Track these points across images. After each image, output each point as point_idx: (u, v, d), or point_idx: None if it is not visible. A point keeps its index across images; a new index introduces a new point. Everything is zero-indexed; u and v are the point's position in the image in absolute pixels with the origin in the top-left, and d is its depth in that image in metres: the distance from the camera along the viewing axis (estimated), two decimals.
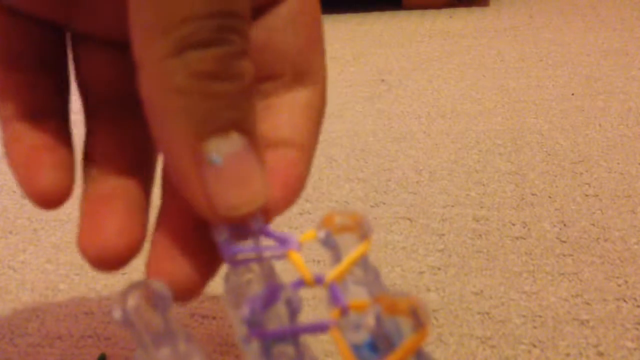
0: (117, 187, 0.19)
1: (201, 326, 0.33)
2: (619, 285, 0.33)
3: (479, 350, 0.29)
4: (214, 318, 0.33)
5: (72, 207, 0.48)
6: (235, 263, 0.16)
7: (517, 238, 0.37)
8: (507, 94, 0.58)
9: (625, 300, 0.32)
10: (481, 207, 0.41)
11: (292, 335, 0.16)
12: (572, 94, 0.56)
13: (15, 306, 0.36)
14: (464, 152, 0.48)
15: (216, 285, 0.36)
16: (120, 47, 0.19)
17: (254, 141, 0.15)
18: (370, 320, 0.14)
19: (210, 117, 0.14)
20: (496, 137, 0.50)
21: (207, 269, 0.17)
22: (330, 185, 0.45)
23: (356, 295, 0.16)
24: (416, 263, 0.36)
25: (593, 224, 0.38)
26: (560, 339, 0.30)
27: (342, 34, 0.80)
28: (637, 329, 0.30)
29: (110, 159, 0.19)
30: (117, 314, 0.14)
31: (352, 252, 0.17)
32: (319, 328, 0.15)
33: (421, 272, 0.35)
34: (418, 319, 0.13)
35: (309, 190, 0.45)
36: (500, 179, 0.44)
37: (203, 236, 0.17)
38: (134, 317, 0.14)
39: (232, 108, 0.14)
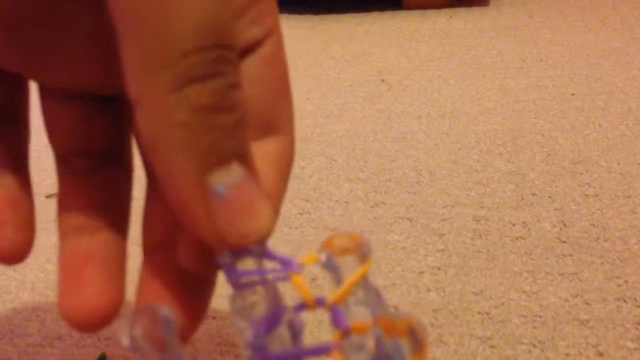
0: (93, 244, 0.19)
1: (201, 326, 0.32)
2: (619, 285, 0.33)
3: (479, 350, 0.29)
4: (214, 318, 0.33)
5: None
6: (239, 286, 0.17)
7: (517, 238, 0.37)
8: (507, 94, 0.58)
9: (625, 300, 0.32)
10: (481, 207, 0.41)
11: (295, 358, 0.16)
12: (572, 94, 0.56)
13: (15, 306, 0.36)
14: (464, 152, 0.48)
15: (217, 285, 0.36)
16: (88, 98, 0.19)
17: (253, 170, 0.15)
18: (370, 343, 0.14)
19: (212, 149, 0.14)
20: (496, 137, 0.50)
21: (197, 312, 0.18)
22: (330, 185, 0.45)
23: (358, 316, 0.16)
24: (416, 263, 0.36)
25: (593, 224, 0.38)
26: (560, 339, 0.30)
27: (342, 34, 0.80)
28: (637, 329, 0.30)
29: (84, 213, 0.19)
30: (125, 340, 0.15)
31: (353, 274, 0.17)
32: (321, 351, 0.16)
33: (421, 272, 0.35)
34: (417, 339, 0.13)
35: (309, 190, 0.45)
36: (500, 179, 0.44)
37: (188, 279, 0.17)
38: (142, 342, 0.15)
39: (232, 139, 0.14)
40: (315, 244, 0.38)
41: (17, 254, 0.18)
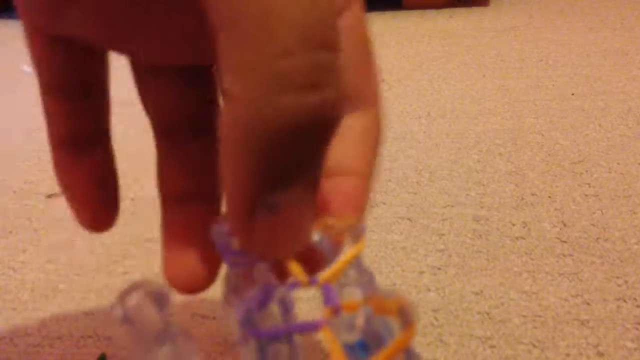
0: (192, 215, 0.19)
1: (201, 326, 0.33)
2: (619, 285, 0.33)
3: (479, 350, 0.29)
4: (214, 318, 0.33)
5: None
6: (233, 264, 0.17)
7: (517, 238, 0.37)
8: (507, 94, 0.58)
9: (625, 300, 0.32)
10: (481, 207, 0.41)
11: (286, 334, 0.16)
12: (572, 94, 0.56)
13: (15, 306, 0.36)
14: (464, 152, 0.48)
15: (216, 285, 0.36)
16: (178, 70, 0.19)
17: (315, 194, 0.14)
18: (360, 320, 0.14)
19: (285, 171, 0.13)
20: (496, 137, 0.50)
21: (216, 261, 0.19)
22: None
23: (350, 295, 0.16)
24: (416, 263, 0.36)
25: (593, 224, 0.38)
26: (560, 339, 0.30)
27: None
28: (637, 329, 0.30)
29: (183, 182, 0.20)
30: (117, 312, 0.15)
31: (345, 254, 0.17)
32: (311, 327, 0.16)
33: (421, 272, 0.35)
34: (405, 318, 0.13)
35: None
36: (500, 179, 0.44)
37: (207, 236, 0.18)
38: (134, 315, 0.15)
39: (309, 164, 0.13)
40: None
41: (103, 227, 0.20)
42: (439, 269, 0.35)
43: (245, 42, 0.12)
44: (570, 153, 0.47)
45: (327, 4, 0.12)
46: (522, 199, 0.41)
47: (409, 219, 0.40)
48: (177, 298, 0.35)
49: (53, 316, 0.35)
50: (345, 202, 0.17)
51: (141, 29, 0.16)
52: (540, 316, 0.31)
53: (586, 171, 0.44)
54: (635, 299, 0.32)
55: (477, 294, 0.33)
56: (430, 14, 0.83)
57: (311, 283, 0.16)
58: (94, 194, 0.19)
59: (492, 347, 0.30)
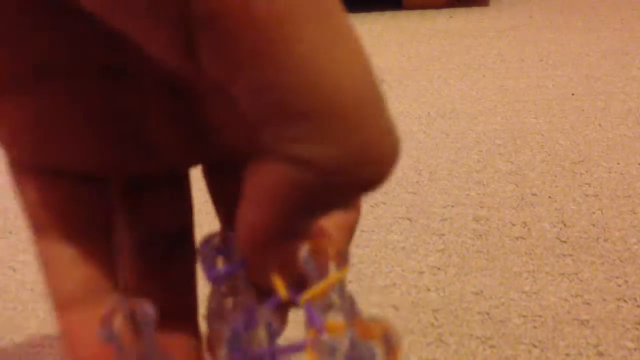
0: (174, 342, 0.18)
1: (201, 326, 0.33)
2: (619, 285, 0.33)
3: (479, 350, 0.29)
4: None
5: None
6: (216, 280, 0.17)
7: (517, 238, 0.37)
8: (507, 94, 0.58)
9: (625, 300, 0.32)
10: (481, 207, 0.41)
11: (271, 355, 0.16)
12: (572, 94, 0.56)
13: (15, 306, 0.36)
14: (464, 152, 0.48)
15: None
16: (164, 181, 0.18)
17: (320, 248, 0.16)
18: (344, 344, 0.14)
19: (304, 228, 0.14)
20: (496, 137, 0.50)
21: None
22: None
23: (333, 319, 0.16)
24: (416, 263, 0.36)
25: (593, 224, 0.38)
26: (560, 339, 0.30)
27: None
28: (637, 329, 0.30)
29: (162, 304, 0.19)
30: (103, 332, 0.15)
31: (330, 276, 0.17)
32: (296, 349, 0.16)
33: (421, 272, 0.35)
34: (389, 344, 0.14)
35: None
36: (500, 179, 0.44)
37: None
38: (118, 334, 0.15)
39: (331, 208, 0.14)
40: None
41: None
42: (439, 269, 0.35)
43: (322, 121, 0.12)
44: (570, 153, 0.47)
45: (368, 66, 0.12)
46: (522, 199, 0.41)
47: (409, 219, 0.40)
48: None
49: (53, 316, 0.35)
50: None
51: (138, 145, 0.16)
52: (540, 316, 0.31)
53: (586, 171, 0.44)
54: (635, 299, 0.32)
55: (477, 294, 0.33)
56: (430, 14, 0.83)
57: (292, 301, 0.16)
58: None
59: (492, 347, 0.30)
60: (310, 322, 0.16)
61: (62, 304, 0.16)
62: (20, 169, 0.16)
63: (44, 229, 0.17)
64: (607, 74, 0.60)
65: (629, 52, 0.64)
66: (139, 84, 0.15)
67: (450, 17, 0.81)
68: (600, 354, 0.29)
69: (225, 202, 0.19)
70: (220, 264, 0.17)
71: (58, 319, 0.16)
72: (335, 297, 0.17)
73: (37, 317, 0.35)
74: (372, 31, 0.79)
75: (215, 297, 0.17)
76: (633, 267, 0.34)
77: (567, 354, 0.29)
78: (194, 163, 0.18)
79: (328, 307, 0.16)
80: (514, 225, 0.39)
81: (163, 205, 0.18)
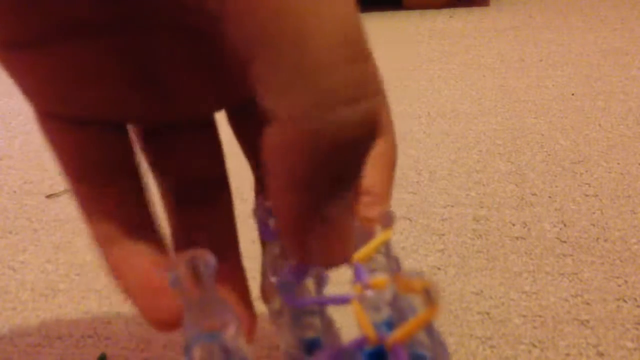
0: (224, 288, 0.19)
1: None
2: (619, 285, 0.33)
3: (479, 350, 0.29)
4: None
5: (72, 207, 0.48)
6: (272, 238, 0.18)
7: (517, 238, 0.37)
8: (507, 94, 0.58)
9: (625, 300, 0.32)
10: (481, 207, 0.41)
11: (319, 304, 0.17)
12: (572, 94, 0.56)
13: (15, 306, 0.36)
14: (464, 152, 0.48)
15: None
16: (192, 127, 0.18)
17: (352, 200, 0.15)
18: (387, 297, 0.15)
19: (336, 181, 0.13)
20: (496, 137, 0.50)
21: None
22: None
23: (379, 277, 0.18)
24: (416, 263, 0.36)
25: (593, 224, 0.38)
26: (560, 339, 0.30)
27: None
28: (637, 329, 0.30)
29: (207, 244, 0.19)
30: (169, 276, 0.16)
31: (376, 239, 0.18)
32: (342, 300, 0.17)
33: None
34: (430, 297, 0.14)
35: None
36: (500, 179, 0.44)
37: None
38: (183, 281, 0.16)
39: (355, 173, 0.13)
40: None
41: (176, 321, 0.18)
42: (439, 269, 0.35)
43: (285, 64, 0.12)
44: (570, 153, 0.47)
45: (356, 17, 0.12)
46: (522, 199, 0.41)
47: (409, 219, 0.40)
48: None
49: (53, 316, 0.35)
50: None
51: (167, 91, 0.16)
52: (540, 316, 0.31)
53: (586, 171, 0.44)
54: (635, 299, 0.32)
55: (477, 294, 0.33)
56: (430, 14, 0.83)
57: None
58: (160, 285, 0.17)
59: (492, 347, 0.30)
60: (358, 279, 0.17)
61: (105, 241, 0.17)
62: (47, 119, 0.17)
63: (78, 176, 0.17)
64: (607, 74, 0.60)
65: (629, 52, 0.64)
66: (157, 32, 0.15)
67: (450, 17, 0.81)
68: (600, 354, 0.29)
69: (252, 144, 0.20)
70: (273, 224, 0.18)
71: (104, 255, 0.18)
72: (381, 258, 0.17)
73: (37, 317, 0.35)
74: (372, 31, 0.79)
75: (269, 254, 0.19)
76: (633, 267, 0.34)
77: (567, 354, 0.29)
78: (216, 107, 0.18)
79: (375, 267, 0.17)
80: (514, 225, 0.39)
81: (192, 151, 0.19)
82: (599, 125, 0.51)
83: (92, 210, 0.18)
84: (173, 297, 0.17)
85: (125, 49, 0.15)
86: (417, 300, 0.14)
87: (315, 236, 0.14)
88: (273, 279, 0.17)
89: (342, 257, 0.15)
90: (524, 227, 0.38)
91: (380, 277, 0.17)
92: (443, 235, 0.38)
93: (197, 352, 0.15)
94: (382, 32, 0.79)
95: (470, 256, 0.36)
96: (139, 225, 0.18)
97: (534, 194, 0.42)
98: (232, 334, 0.16)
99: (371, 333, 0.15)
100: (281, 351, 0.18)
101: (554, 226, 0.38)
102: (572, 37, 0.70)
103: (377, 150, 0.18)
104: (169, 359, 0.31)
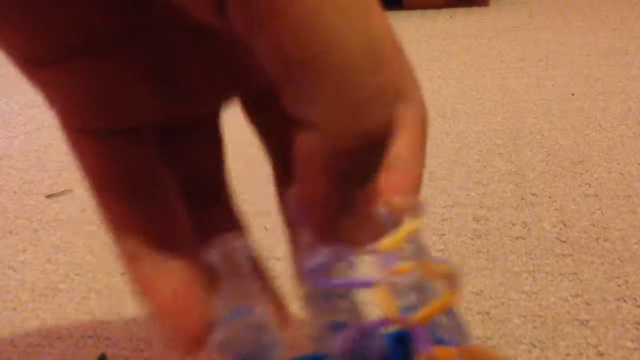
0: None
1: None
2: (619, 285, 0.33)
3: None
4: None
5: (72, 207, 0.48)
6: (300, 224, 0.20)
7: (517, 238, 0.37)
8: (507, 94, 0.58)
9: (625, 300, 0.32)
10: (481, 207, 0.41)
11: (346, 287, 0.19)
12: (572, 94, 0.56)
13: (15, 306, 0.36)
14: (464, 152, 0.48)
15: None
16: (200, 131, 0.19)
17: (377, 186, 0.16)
18: (412, 281, 0.15)
19: (364, 173, 0.15)
20: (496, 137, 0.50)
21: None
22: None
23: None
24: None
25: (593, 224, 0.38)
26: (560, 339, 0.30)
27: None
28: (637, 329, 0.30)
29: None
30: (213, 256, 0.17)
31: (405, 227, 0.19)
32: (368, 283, 0.18)
33: None
34: (452, 282, 0.15)
35: None
36: (500, 179, 0.44)
37: None
38: (220, 263, 0.17)
39: (379, 162, 0.15)
40: None
41: (205, 337, 0.17)
42: None
43: (320, 82, 0.13)
44: (570, 153, 0.47)
45: (380, 25, 0.13)
46: (522, 199, 0.41)
47: None
48: None
49: (53, 316, 0.35)
50: (403, 191, 0.19)
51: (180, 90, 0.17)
52: (540, 316, 0.31)
53: (586, 171, 0.44)
54: (635, 299, 0.32)
55: (477, 294, 0.33)
56: (430, 14, 0.83)
57: (371, 251, 0.19)
58: (191, 303, 0.18)
59: (492, 347, 0.30)
60: (385, 265, 0.18)
61: (133, 257, 0.17)
62: (74, 133, 0.17)
63: (105, 188, 0.17)
64: (607, 74, 0.60)
65: (629, 52, 0.64)
66: (175, 33, 0.15)
67: (450, 17, 0.81)
68: (600, 354, 0.29)
69: (271, 136, 0.20)
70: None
71: (129, 271, 0.18)
72: (409, 247, 0.18)
73: (37, 317, 0.35)
74: None
75: (300, 240, 0.19)
76: (633, 267, 0.34)
77: (567, 354, 0.29)
78: (231, 96, 0.18)
79: (403, 255, 0.18)
80: (514, 225, 0.39)
81: (199, 153, 0.19)
82: (599, 125, 0.51)
83: (119, 224, 0.17)
84: (201, 317, 0.17)
85: (145, 53, 0.15)
86: (440, 286, 0.15)
87: (348, 226, 0.15)
88: (303, 264, 0.18)
89: (370, 240, 0.16)
90: (524, 227, 0.38)
91: (406, 264, 0.17)
92: (443, 235, 0.38)
93: (228, 328, 0.16)
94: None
95: (470, 256, 0.36)
96: (168, 240, 0.18)
97: (534, 194, 0.42)
98: (262, 312, 0.17)
99: (393, 313, 0.16)
100: (309, 335, 0.19)
101: (554, 226, 0.38)
102: (572, 37, 0.70)
103: (402, 115, 0.18)
104: (169, 358, 0.31)
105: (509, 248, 0.37)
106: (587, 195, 0.41)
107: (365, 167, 0.15)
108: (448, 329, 0.17)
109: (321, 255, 0.18)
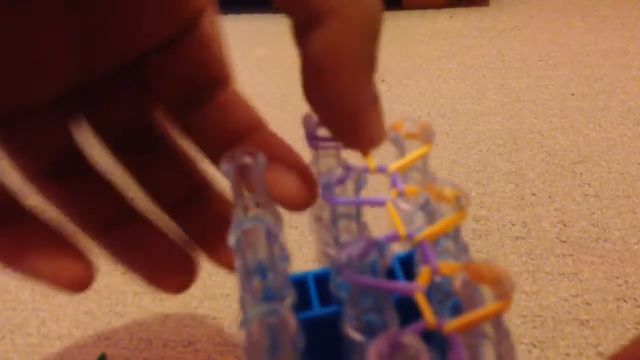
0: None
1: (201, 326, 0.33)
2: (619, 285, 0.33)
3: None
4: (214, 318, 0.33)
5: None
6: (320, 148, 0.21)
7: (517, 238, 0.37)
8: (507, 94, 0.58)
9: (625, 300, 0.32)
10: (481, 207, 0.41)
11: (357, 205, 0.19)
12: (572, 94, 0.56)
13: (15, 306, 0.36)
14: (464, 152, 0.48)
15: (216, 285, 0.37)
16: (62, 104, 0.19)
17: None
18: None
19: (374, 57, 0.16)
20: (496, 137, 0.50)
21: None
22: None
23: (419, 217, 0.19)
24: None
25: (593, 224, 0.38)
26: (560, 339, 0.30)
27: None
28: (637, 329, 0.30)
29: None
30: (224, 168, 0.18)
31: (416, 152, 0.20)
32: (378, 202, 0.18)
33: None
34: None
35: None
36: (500, 179, 0.44)
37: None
38: (231, 173, 0.18)
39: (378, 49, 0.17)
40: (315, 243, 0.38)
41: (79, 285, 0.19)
42: None
43: None
44: (570, 153, 0.47)
45: None
46: (522, 199, 0.41)
47: None
48: (175, 299, 0.35)
49: (53, 316, 0.35)
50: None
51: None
52: (540, 316, 0.31)
53: (586, 171, 0.44)
54: (635, 299, 0.32)
55: None
56: (430, 14, 0.83)
57: (380, 170, 0.19)
58: (172, 265, 0.20)
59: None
60: (394, 186, 0.19)
61: (94, 231, 0.19)
62: None
63: (35, 171, 0.18)
64: (607, 74, 0.60)
65: (629, 52, 0.64)
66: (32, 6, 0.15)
67: (450, 17, 0.81)
68: (600, 354, 0.29)
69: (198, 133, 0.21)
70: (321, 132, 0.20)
71: (99, 245, 0.19)
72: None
73: (37, 317, 0.35)
74: None
75: (315, 160, 0.21)
76: (633, 267, 0.34)
77: (567, 354, 0.29)
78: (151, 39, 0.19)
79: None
80: (514, 225, 0.39)
81: (123, 102, 0.20)
82: (599, 125, 0.51)
83: (62, 205, 0.19)
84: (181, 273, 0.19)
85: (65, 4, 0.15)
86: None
87: (373, 115, 0.16)
88: (319, 183, 0.19)
89: (383, 133, 0.17)
90: (524, 227, 0.38)
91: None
92: None
93: (242, 231, 0.17)
94: (382, 32, 0.79)
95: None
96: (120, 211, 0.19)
97: (534, 194, 0.42)
98: (273, 221, 0.18)
99: (401, 229, 0.17)
100: (317, 251, 0.20)
101: (554, 226, 0.38)
102: (572, 37, 0.70)
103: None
104: (169, 359, 0.31)
105: (509, 248, 0.37)
106: (587, 195, 0.41)
107: (375, 48, 0.16)
108: (453, 253, 0.17)
109: (334, 173, 0.19)
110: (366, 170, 0.20)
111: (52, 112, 0.18)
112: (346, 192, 0.20)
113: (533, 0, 0.85)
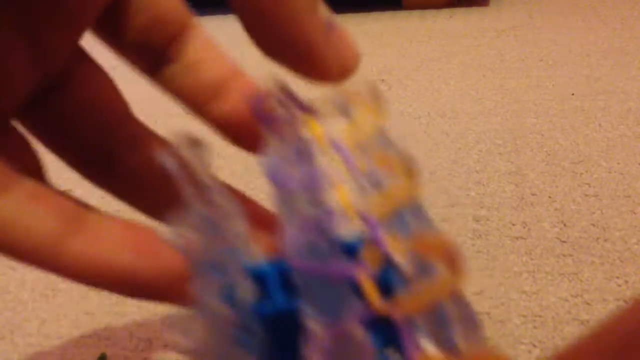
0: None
1: None
2: (619, 285, 0.33)
3: None
4: None
5: None
6: (267, 122, 0.19)
7: (517, 238, 0.37)
8: (507, 94, 0.58)
9: (625, 301, 0.32)
10: (481, 207, 0.41)
11: (308, 183, 0.18)
12: (572, 94, 0.56)
13: (15, 306, 0.36)
14: (464, 152, 0.48)
15: None
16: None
17: None
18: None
19: None
20: (496, 137, 0.50)
21: None
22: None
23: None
24: None
25: (593, 224, 0.38)
26: (560, 339, 0.30)
27: None
28: None
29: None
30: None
31: (363, 117, 0.18)
32: (327, 179, 0.17)
33: None
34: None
35: None
36: (500, 179, 0.44)
37: None
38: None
39: None
40: None
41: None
42: None
43: None
44: (570, 153, 0.47)
45: None
46: (522, 199, 0.41)
47: None
48: None
49: (53, 316, 0.35)
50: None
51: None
52: (540, 316, 0.31)
53: (586, 171, 0.44)
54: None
55: (477, 294, 0.33)
56: (430, 14, 0.83)
57: (334, 145, 0.18)
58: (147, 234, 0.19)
59: (492, 347, 0.30)
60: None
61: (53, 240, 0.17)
62: None
63: None
64: (607, 74, 0.60)
65: (629, 52, 0.64)
66: None
67: (450, 17, 0.81)
68: None
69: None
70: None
71: (60, 252, 0.17)
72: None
73: (37, 317, 0.35)
74: (372, 31, 0.79)
75: (267, 137, 0.19)
76: (633, 267, 0.34)
77: None
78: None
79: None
80: (514, 225, 0.39)
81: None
82: (599, 125, 0.51)
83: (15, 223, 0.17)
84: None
85: None
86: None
87: (334, 37, 0.16)
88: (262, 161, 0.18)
89: (357, 59, 0.16)
90: (524, 227, 0.38)
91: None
92: None
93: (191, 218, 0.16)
94: (382, 32, 0.79)
95: (470, 256, 0.36)
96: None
97: (534, 194, 0.42)
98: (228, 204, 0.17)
99: (349, 206, 0.15)
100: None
101: (554, 226, 0.38)
102: (572, 37, 0.70)
103: None
104: (169, 359, 0.31)
105: (509, 248, 0.37)
106: (587, 195, 0.41)
107: None
108: (413, 225, 0.15)
109: (281, 149, 0.18)
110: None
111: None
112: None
113: (533, 0, 0.85)
